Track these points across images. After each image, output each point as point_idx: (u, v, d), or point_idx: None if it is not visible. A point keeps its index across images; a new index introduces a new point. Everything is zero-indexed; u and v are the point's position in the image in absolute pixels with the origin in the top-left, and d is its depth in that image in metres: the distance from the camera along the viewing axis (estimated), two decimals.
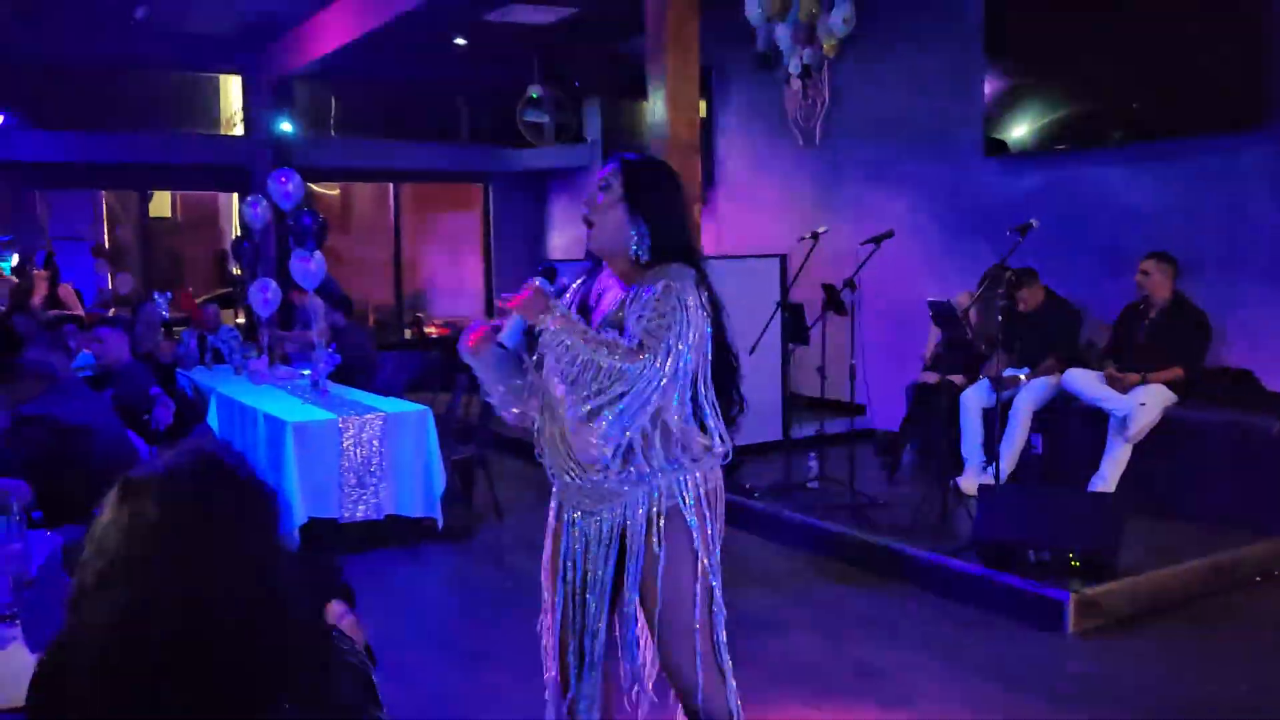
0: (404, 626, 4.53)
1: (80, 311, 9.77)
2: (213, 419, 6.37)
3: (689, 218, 2.61)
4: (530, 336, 2.42)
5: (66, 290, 10.08)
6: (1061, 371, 5.87)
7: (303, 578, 1.53)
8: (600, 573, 2.53)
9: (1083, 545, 4.54)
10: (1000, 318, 5.54)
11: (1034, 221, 5.23)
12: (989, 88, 6.98)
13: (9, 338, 6.84)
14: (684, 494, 2.47)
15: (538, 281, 2.40)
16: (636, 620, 2.55)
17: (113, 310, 10.05)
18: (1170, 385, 5.53)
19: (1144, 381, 5.53)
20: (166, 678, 1.26)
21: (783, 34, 6.45)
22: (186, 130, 12.03)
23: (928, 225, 7.59)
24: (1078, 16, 6.43)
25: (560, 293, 2.51)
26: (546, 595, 2.67)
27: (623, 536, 2.50)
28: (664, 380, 2.31)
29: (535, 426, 2.57)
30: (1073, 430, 5.86)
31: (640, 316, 2.35)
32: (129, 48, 10.55)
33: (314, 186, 12.37)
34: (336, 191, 14.49)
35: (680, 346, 2.33)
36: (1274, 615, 4.62)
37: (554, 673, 2.66)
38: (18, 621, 2.35)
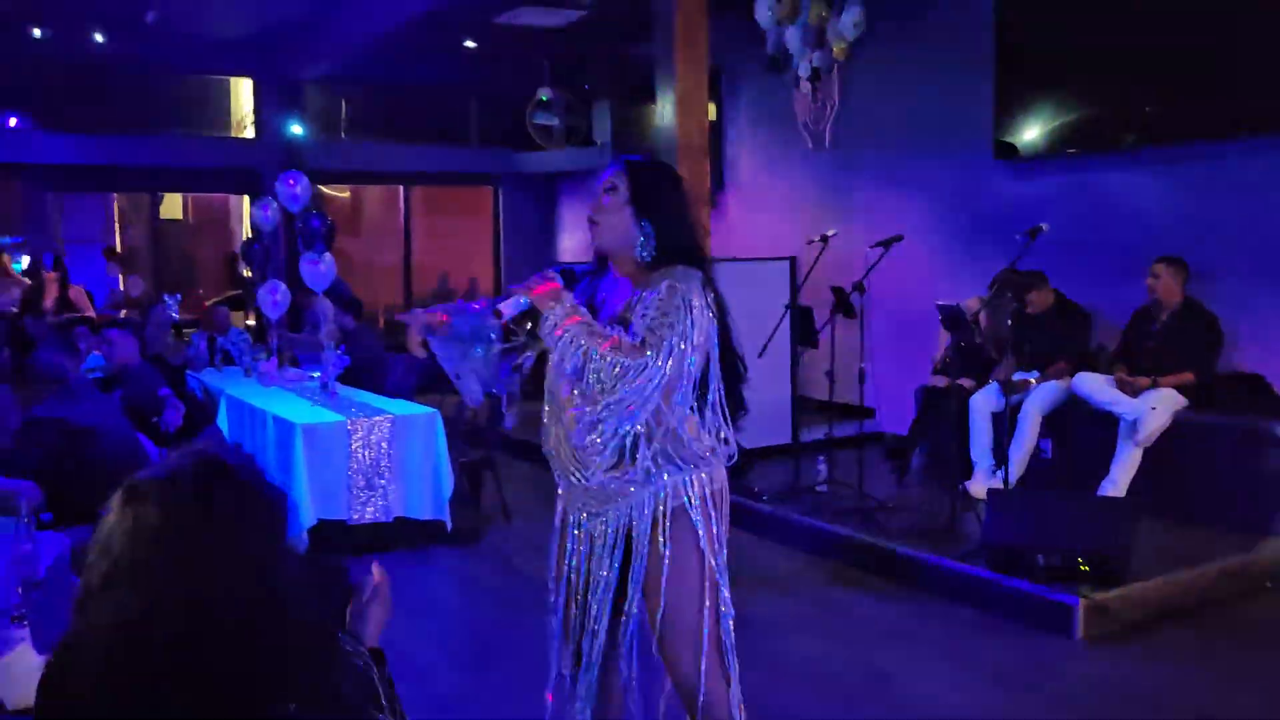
0: (412, 628, 4.53)
1: (91, 313, 9.82)
2: (222, 421, 6.39)
3: (694, 219, 2.60)
4: (523, 320, 2.43)
5: (77, 292, 10.14)
6: (1071, 375, 5.84)
7: (307, 579, 1.54)
8: (603, 574, 2.53)
9: (1092, 550, 4.51)
10: (1010, 321, 5.51)
11: (1043, 226, 5.21)
12: (999, 91, 6.96)
13: (20, 339, 6.88)
14: (689, 494, 2.47)
15: (558, 280, 2.42)
16: (638, 621, 2.55)
17: (123, 312, 10.10)
18: (1181, 389, 5.51)
19: (1154, 385, 5.50)
20: (169, 679, 1.27)
21: (793, 37, 6.47)
22: (198, 133, 12.09)
23: (937, 229, 7.57)
24: (1089, 19, 6.41)
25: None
26: (553, 598, 2.67)
27: (628, 538, 2.50)
28: (665, 378, 2.32)
29: (541, 426, 2.58)
30: (1082, 434, 5.82)
31: (644, 315, 2.36)
32: (141, 51, 10.59)
33: (324, 189, 12.41)
34: (347, 194, 14.53)
35: (683, 346, 2.33)
36: None
37: (556, 673, 2.66)
38: (26, 623, 2.36)
